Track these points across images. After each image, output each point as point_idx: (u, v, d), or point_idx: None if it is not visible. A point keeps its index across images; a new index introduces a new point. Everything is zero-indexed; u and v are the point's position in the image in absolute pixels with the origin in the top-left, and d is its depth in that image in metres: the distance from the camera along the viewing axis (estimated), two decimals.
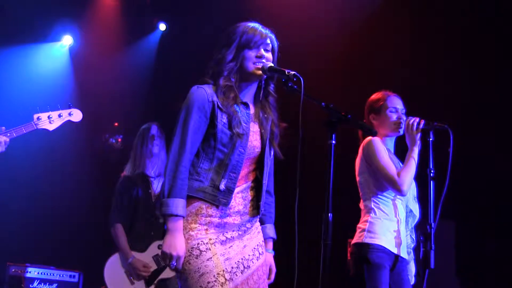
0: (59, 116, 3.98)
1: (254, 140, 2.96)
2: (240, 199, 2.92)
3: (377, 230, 3.78)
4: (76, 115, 4.11)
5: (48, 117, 3.92)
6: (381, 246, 3.73)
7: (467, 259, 5.82)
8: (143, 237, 4.88)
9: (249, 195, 2.96)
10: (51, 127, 3.96)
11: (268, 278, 3.09)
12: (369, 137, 3.92)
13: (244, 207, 2.92)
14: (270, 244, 3.15)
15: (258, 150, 2.97)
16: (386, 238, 3.78)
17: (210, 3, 7.45)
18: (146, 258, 4.82)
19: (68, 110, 4.05)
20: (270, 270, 3.10)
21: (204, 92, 2.88)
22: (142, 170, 5.02)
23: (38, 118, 3.89)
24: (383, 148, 3.88)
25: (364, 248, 3.74)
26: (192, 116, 2.84)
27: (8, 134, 3.74)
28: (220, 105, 2.87)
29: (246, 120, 2.94)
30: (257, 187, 2.99)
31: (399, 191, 3.77)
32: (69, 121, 4.07)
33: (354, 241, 3.86)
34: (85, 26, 7.86)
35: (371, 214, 3.84)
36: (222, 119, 2.87)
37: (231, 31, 2.99)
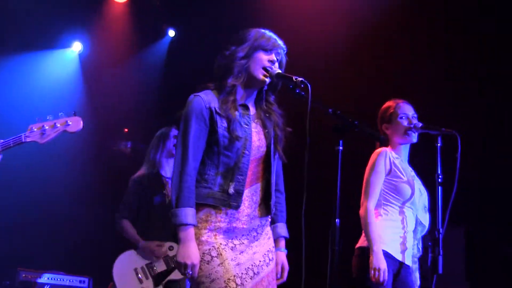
0: (54, 127, 3.56)
1: (257, 140, 2.95)
2: (250, 202, 2.92)
3: (382, 235, 3.78)
4: (74, 125, 3.61)
5: (42, 127, 3.53)
6: (384, 250, 3.73)
7: (477, 265, 5.79)
8: (156, 239, 4.87)
9: (258, 196, 2.96)
10: (42, 140, 3.54)
11: (281, 277, 3.09)
12: (381, 148, 3.95)
13: (253, 210, 2.92)
14: (283, 243, 3.14)
15: (263, 149, 2.97)
16: (391, 243, 3.78)
17: (219, 9, 7.47)
18: (157, 258, 4.84)
19: (65, 120, 3.60)
20: (282, 268, 3.10)
21: (200, 100, 2.88)
22: (157, 170, 5.05)
23: (31, 130, 3.52)
24: (383, 166, 3.89)
25: (368, 252, 3.73)
26: (192, 125, 2.85)
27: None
28: (218, 110, 2.87)
29: (247, 122, 2.94)
30: (265, 187, 2.99)
31: (360, 210, 3.84)
32: (64, 131, 3.60)
33: (358, 244, 3.88)
34: (95, 33, 7.90)
35: (377, 221, 3.85)
36: (222, 124, 2.87)
37: (244, 32, 3.00)
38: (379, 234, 3.76)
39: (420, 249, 3.96)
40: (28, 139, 3.52)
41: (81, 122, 3.63)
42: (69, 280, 5.85)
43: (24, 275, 5.66)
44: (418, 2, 6.37)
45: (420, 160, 4.12)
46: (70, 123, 3.60)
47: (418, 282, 3.94)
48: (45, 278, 5.75)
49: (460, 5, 6.05)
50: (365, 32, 6.51)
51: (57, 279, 5.80)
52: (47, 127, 3.55)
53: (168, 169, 5.08)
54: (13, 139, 3.48)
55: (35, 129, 3.52)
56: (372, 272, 3.65)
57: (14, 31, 7.03)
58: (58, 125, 3.57)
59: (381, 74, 6.45)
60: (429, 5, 6.31)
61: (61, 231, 7.19)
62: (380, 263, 3.66)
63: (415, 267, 3.92)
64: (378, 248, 3.70)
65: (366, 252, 3.74)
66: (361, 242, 3.87)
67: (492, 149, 5.70)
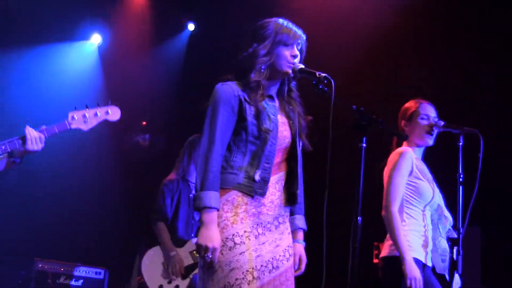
0: (95, 115, 3.64)
1: (284, 130, 2.97)
2: (274, 189, 2.92)
3: (409, 242, 3.72)
4: (114, 114, 3.71)
5: (83, 116, 3.59)
6: (413, 257, 3.66)
7: (492, 265, 5.77)
8: (181, 237, 5.07)
9: (282, 184, 2.97)
10: (86, 126, 3.62)
11: (299, 268, 3.09)
12: (402, 148, 3.91)
13: (278, 198, 2.94)
14: (301, 235, 3.13)
15: (288, 140, 2.99)
16: (417, 248, 3.74)
17: (238, 3, 7.46)
18: (183, 252, 4.99)
19: (105, 108, 3.69)
20: (300, 260, 3.09)
21: (229, 88, 2.90)
22: (185, 175, 5.21)
23: (72, 117, 3.56)
24: (406, 167, 3.81)
25: (398, 262, 3.63)
26: (220, 112, 2.86)
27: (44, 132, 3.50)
28: (247, 99, 2.89)
29: (274, 112, 2.96)
30: (290, 176, 3.00)
31: (382, 212, 3.75)
32: (105, 120, 3.70)
33: (385, 254, 3.79)
34: (114, 25, 7.91)
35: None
36: (251, 112, 2.88)
37: (263, 26, 2.98)
38: (407, 241, 3.69)
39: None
40: (73, 126, 3.58)
41: (120, 112, 3.73)
42: (85, 271, 5.89)
43: (40, 265, 5.71)
44: (423, 3, 6.37)
45: (432, 159, 4.10)
46: (110, 112, 3.70)
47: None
48: (61, 268, 5.80)
49: (462, 4, 6.04)
50: (369, 31, 6.50)
51: (73, 270, 5.84)
52: (88, 115, 3.60)
53: (194, 176, 5.17)
54: (57, 125, 3.51)
55: (76, 117, 3.57)
56: (409, 282, 3.54)
57: (33, 23, 7.04)
58: (99, 114, 3.65)
59: (382, 74, 6.43)
60: (430, 5, 6.32)
61: (77, 222, 7.24)
62: (415, 272, 3.57)
63: (444, 265, 3.80)
64: (410, 257, 3.61)
65: (397, 261, 3.64)
66: (388, 251, 3.78)
67: (492, 149, 5.67)
